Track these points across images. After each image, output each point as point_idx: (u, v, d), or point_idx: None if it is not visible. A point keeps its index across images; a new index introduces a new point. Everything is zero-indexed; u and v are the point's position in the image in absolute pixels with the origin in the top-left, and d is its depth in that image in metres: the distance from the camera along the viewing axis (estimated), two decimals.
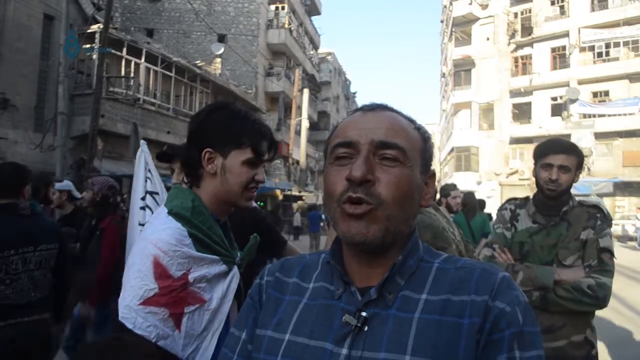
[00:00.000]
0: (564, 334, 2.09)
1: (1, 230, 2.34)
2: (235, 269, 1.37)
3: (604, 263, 2.07)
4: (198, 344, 1.27)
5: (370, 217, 0.77)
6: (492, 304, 0.74)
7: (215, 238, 1.34)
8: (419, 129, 0.87)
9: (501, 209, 2.43)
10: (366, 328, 0.77)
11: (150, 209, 2.61)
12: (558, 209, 2.19)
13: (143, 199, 2.64)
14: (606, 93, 28.39)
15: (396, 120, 0.84)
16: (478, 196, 8.44)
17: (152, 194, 2.68)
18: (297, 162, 25.25)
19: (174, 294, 1.23)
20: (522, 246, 2.24)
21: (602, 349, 5.55)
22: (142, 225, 2.51)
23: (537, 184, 2.23)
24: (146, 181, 2.68)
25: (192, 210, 1.33)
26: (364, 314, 0.78)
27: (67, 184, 4.65)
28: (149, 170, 2.71)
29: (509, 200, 2.48)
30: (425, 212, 2.18)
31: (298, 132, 25.06)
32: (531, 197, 2.36)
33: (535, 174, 2.24)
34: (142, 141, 2.86)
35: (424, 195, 0.85)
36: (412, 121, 0.87)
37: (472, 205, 6.68)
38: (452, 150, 34.97)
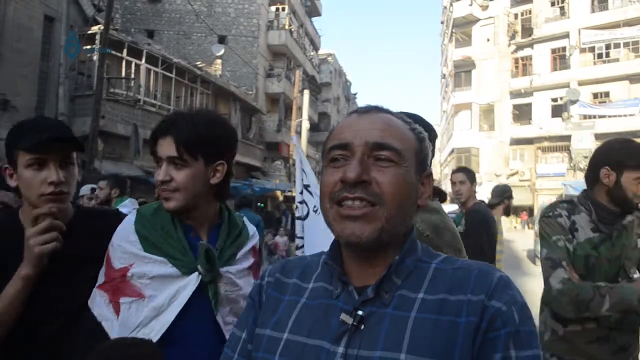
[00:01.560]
0: (633, 351, 1.97)
1: None
2: (195, 276, 1.33)
3: None
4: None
5: (368, 218, 0.78)
6: (488, 303, 0.75)
7: (172, 241, 1.34)
8: (414, 129, 0.88)
9: (554, 215, 2.01)
10: (363, 327, 0.78)
11: (306, 203, 2.76)
12: (623, 217, 1.96)
13: (301, 193, 2.77)
14: (606, 94, 28.40)
15: (390, 121, 0.85)
16: (478, 197, 8.46)
17: (306, 187, 2.79)
18: None
19: (113, 283, 1.32)
20: (588, 260, 1.94)
21: None
22: (300, 218, 2.72)
23: (618, 191, 1.90)
24: (302, 175, 2.83)
25: (155, 210, 1.37)
26: (360, 312, 0.78)
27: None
28: (302, 163, 2.88)
29: (556, 204, 2.10)
30: (442, 212, 2.03)
31: (298, 133, 25.07)
32: (580, 201, 2.03)
33: (617, 179, 1.89)
34: (294, 136, 3.15)
35: (420, 195, 0.86)
36: (407, 122, 0.88)
37: None
38: (452, 151, 34.99)
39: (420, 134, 0.88)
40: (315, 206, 2.79)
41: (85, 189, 4.52)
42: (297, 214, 2.81)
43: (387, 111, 0.89)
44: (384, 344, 0.75)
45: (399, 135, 0.83)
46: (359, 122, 0.85)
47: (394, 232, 0.80)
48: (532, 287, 3.99)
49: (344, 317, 0.79)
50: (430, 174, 0.89)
